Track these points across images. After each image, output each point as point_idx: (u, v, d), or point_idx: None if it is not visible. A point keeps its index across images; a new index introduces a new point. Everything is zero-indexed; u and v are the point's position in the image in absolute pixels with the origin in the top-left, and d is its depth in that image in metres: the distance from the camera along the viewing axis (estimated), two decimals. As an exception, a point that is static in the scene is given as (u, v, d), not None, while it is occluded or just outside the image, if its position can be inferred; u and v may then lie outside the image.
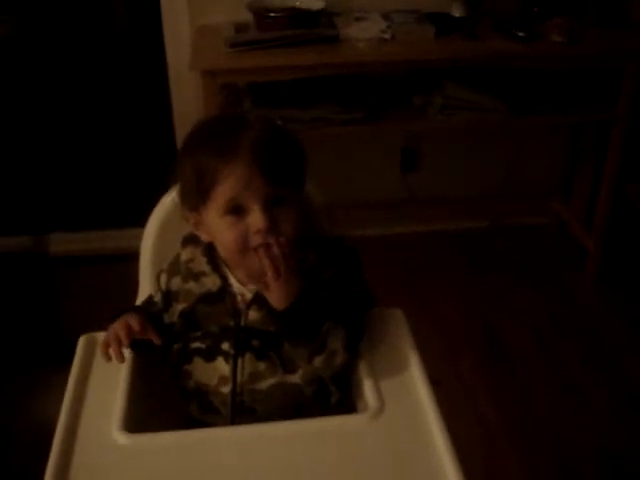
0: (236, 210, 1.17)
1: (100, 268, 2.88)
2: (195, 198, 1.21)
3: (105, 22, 2.83)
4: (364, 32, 2.51)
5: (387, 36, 2.50)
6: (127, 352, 1.21)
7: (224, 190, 1.16)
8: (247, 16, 2.54)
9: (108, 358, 1.21)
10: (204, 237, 1.27)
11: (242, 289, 1.26)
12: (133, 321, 1.22)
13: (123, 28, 2.83)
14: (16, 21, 2.76)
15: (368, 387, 1.19)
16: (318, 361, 1.22)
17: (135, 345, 1.23)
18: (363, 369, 1.23)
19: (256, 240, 1.16)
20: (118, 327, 1.22)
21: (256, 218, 1.16)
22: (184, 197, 1.26)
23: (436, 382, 1.19)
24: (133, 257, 1.49)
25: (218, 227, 1.20)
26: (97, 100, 2.91)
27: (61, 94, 2.88)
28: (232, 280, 1.27)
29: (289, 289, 1.15)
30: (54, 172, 3.02)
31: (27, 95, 2.86)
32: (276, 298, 1.16)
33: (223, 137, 1.19)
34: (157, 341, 1.23)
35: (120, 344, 1.20)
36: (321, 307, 1.18)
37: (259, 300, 1.20)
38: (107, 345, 1.21)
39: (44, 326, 2.65)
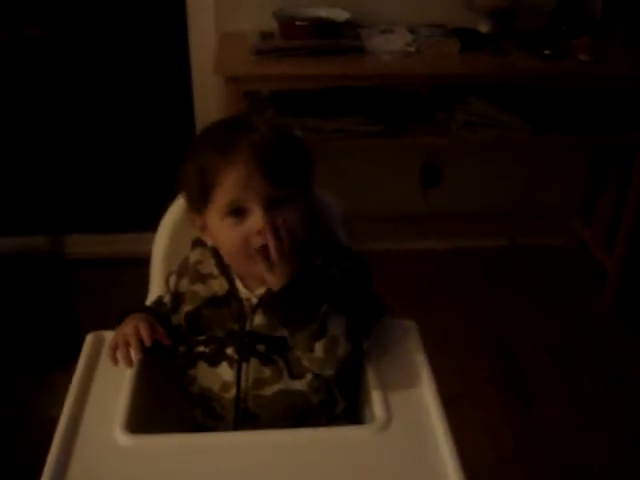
0: (237, 212, 1.16)
1: (115, 271, 2.88)
2: (198, 200, 1.21)
3: (131, 26, 2.85)
4: (389, 44, 2.49)
5: (412, 49, 2.49)
6: (134, 357, 1.19)
7: (225, 191, 1.16)
8: (273, 25, 2.55)
9: (115, 362, 1.20)
10: (209, 241, 1.26)
11: (248, 294, 1.25)
12: (142, 326, 1.20)
13: (149, 33, 2.85)
14: (45, 24, 2.79)
15: (376, 398, 1.17)
16: (319, 349, 1.15)
17: (143, 345, 1.20)
18: (371, 379, 1.21)
19: (257, 241, 1.15)
20: (128, 331, 1.20)
21: (257, 219, 1.15)
22: (189, 200, 1.26)
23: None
24: (148, 261, 1.49)
25: (220, 230, 1.19)
26: (120, 103, 2.93)
27: (85, 96, 2.90)
28: (238, 284, 1.26)
29: (287, 270, 1.14)
30: (73, 174, 3.04)
31: (50, 95, 2.88)
32: (274, 279, 1.15)
33: (226, 138, 1.19)
34: (166, 341, 1.22)
35: (128, 348, 1.18)
36: (319, 289, 1.16)
37: (264, 305, 1.19)
38: (114, 349, 1.20)
39: (58, 326, 2.65)
